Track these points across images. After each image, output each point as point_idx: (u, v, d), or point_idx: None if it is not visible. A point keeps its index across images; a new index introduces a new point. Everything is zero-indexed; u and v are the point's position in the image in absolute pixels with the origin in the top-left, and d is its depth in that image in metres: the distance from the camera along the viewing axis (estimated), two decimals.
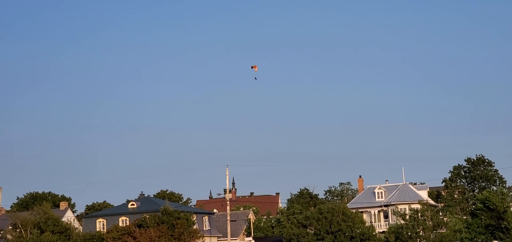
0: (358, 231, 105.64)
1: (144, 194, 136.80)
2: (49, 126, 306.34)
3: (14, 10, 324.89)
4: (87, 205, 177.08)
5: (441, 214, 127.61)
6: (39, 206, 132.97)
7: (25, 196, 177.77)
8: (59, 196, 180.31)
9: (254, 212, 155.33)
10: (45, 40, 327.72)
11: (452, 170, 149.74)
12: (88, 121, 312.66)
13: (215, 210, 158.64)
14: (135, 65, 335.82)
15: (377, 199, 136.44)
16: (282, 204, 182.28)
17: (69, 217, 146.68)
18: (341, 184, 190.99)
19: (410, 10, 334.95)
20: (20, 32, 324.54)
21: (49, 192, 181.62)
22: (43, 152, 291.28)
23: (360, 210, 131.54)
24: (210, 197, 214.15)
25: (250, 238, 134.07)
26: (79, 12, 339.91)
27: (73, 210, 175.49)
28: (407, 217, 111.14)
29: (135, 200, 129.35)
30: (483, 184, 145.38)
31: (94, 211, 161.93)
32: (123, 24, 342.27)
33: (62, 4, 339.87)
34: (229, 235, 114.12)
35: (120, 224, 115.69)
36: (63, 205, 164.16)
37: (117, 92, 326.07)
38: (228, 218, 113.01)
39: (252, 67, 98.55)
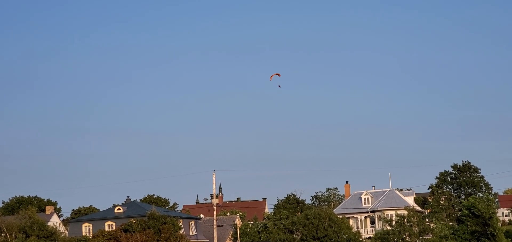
0: (345, 237, 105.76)
1: (130, 199, 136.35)
2: (35, 130, 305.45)
3: (4, 13, 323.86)
4: (73, 210, 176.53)
5: (427, 220, 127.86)
6: (24, 210, 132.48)
7: (10, 200, 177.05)
8: (45, 200, 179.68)
9: (240, 217, 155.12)
10: (34, 44, 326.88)
11: (438, 176, 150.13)
12: (75, 125, 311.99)
13: (201, 215, 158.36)
14: (123, 69, 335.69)
15: (363, 205, 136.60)
16: (268, 209, 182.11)
17: (55, 221, 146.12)
18: (328, 189, 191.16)
19: (398, 15, 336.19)
20: (8, 36, 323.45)
21: (35, 196, 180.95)
22: (29, 156, 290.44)
23: (347, 215, 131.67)
24: (197, 202, 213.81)
25: None
26: (69, 15, 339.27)
27: (59, 214, 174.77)
28: (394, 223, 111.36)
29: (122, 205, 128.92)
30: (469, 190, 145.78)
31: (80, 215, 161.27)
32: (113, 28, 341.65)
33: (53, 8, 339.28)
34: (215, 240, 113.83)
35: (106, 229, 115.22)
36: (49, 209, 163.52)
37: (103, 96, 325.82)
38: (215, 223, 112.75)
39: (274, 75, 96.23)
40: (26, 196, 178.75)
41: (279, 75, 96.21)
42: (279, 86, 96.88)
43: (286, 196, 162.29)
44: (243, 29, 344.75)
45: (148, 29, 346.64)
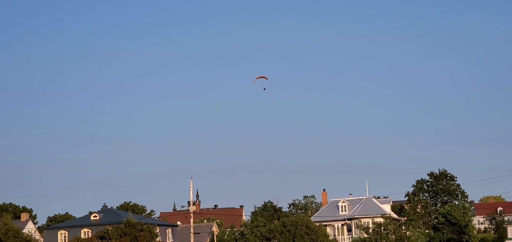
0: None
1: (107, 206, 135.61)
2: (11, 136, 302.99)
3: None
4: (48, 217, 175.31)
5: (403, 227, 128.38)
6: None
7: None
8: (20, 207, 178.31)
9: (218, 225, 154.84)
10: (16, 54, 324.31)
11: (415, 184, 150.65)
12: (51, 132, 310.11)
13: (178, 223, 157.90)
14: (100, 78, 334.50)
15: (340, 213, 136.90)
16: (246, 216, 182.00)
17: (30, 228, 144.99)
18: (305, 197, 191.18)
19: (376, 24, 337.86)
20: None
21: (10, 203, 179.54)
22: (4, 163, 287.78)
23: (324, 223, 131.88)
24: (174, 209, 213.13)
25: None
26: (56, 26, 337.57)
27: (34, 221, 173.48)
28: (370, 230, 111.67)
29: (98, 212, 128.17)
30: (445, 198, 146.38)
31: (55, 222, 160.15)
32: (103, 36, 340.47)
33: (44, 16, 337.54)
34: None
35: (82, 236, 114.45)
36: (24, 216, 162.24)
37: (80, 105, 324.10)
38: (192, 230, 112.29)
39: (259, 78, 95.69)
40: (0, 203, 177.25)
41: (266, 79, 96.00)
42: (264, 89, 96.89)
43: (263, 204, 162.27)
44: (222, 38, 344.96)
45: (132, 38, 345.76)
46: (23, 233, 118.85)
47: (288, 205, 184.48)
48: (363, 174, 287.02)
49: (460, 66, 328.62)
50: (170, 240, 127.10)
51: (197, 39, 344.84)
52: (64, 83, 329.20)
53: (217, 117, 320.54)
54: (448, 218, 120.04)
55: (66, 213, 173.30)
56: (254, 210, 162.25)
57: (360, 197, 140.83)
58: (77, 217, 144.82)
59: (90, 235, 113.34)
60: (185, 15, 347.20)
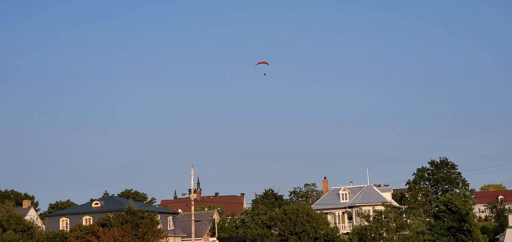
0: (322, 232, 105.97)
1: (108, 193, 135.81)
2: (12, 123, 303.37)
3: None
4: (50, 204, 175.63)
5: (404, 216, 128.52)
6: (1, 204, 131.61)
7: None
8: (22, 194, 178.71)
9: (218, 212, 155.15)
10: (12, 38, 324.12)
11: (415, 172, 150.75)
12: (52, 119, 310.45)
13: (179, 210, 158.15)
14: (103, 65, 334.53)
15: (341, 201, 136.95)
16: (247, 204, 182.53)
17: (32, 215, 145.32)
18: (306, 185, 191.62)
19: (374, 15, 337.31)
20: None
21: (12, 190, 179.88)
22: (6, 150, 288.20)
23: (325, 211, 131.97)
24: (175, 197, 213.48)
25: (215, 239, 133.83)
26: (50, 9, 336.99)
27: (36, 208, 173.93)
28: (371, 218, 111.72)
29: (99, 199, 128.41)
30: (446, 186, 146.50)
31: (57, 209, 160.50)
32: (99, 25, 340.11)
33: (35, 2, 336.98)
34: (193, 235, 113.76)
35: (84, 223, 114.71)
36: (26, 203, 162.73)
37: (82, 92, 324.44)
38: (193, 218, 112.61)
39: (259, 63, 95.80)
40: (2, 190, 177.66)
41: (268, 64, 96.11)
42: (264, 74, 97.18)
43: (264, 192, 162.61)
44: (223, 26, 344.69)
45: (128, 27, 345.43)
46: (25, 220, 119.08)
47: (289, 193, 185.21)
48: (364, 162, 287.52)
49: (460, 56, 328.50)
50: (171, 227, 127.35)
51: (196, 29, 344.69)
52: (66, 69, 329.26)
53: (218, 105, 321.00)
54: (448, 206, 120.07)
55: (68, 200, 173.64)
56: (255, 198, 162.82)
57: (361, 185, 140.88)
58: (78, 204, 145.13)
59: (91, 222, 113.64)
60: (189, 4, 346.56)
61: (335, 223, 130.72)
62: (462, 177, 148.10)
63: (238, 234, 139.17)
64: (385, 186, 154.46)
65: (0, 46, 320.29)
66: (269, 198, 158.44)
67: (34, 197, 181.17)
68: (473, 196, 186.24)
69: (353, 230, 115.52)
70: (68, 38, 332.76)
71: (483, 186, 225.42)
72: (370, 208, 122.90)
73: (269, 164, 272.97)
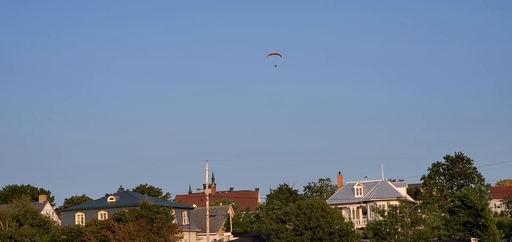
0: (337, 227, 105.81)
1: (123, 188, 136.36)
2: (29, 119, 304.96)
3: None
4: (66, 199, 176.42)
5: (419, 211, 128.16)
6: (18, 199, 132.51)
7: (4, 188, 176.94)
8: (38, 189, 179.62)
9: (233, 207, 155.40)
10: (18, 32, 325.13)
11: (431, 167, 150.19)
12: (68, 115, 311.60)
13: (194, 205, 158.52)
14: (118, 59, 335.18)
15: (356, 196, 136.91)
16: (261, 199, 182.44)
17: (48, 210, 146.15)
18: (320, 180, 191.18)
19: (398, 14, 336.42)
20: None
21: (28, 185, 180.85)
22: (22, 145, 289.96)
23: (339, 206, 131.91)
24: (190, 192, 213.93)
25: (229, 233, 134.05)
26: (53, 3, 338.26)
27: (52, 203, 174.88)
28: (386, 213, 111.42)
29: (114, 194, 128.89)
30: (461, 181, 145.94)
31: (73, 204, 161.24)
32: (103, 19, 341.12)
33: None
34: (208, 230, 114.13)
35: (99, 218, 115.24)
36: (42, 198, 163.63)
37: (97, 87, 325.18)
38: (207, 213, 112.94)
39: (271, 54, 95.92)
40: (19, 185, 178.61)
41: (280, 56, 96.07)
42: (275, 66, 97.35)
43: (278, 187, 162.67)
44: (241, 24, 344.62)
45: (145, 22, 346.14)
46: (41, 214, 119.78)
47: (304, 188, 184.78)
48: (378, 157, 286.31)
49: (479, 51, 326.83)
50: (186, 222, 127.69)
51: (215, 25, 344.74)
52: (78, 65, 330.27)
53: (233, 102, 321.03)
54: (464, 202, 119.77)
55: (83, 195, 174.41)
56: (269, 193, 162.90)
57: (376, 180, 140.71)
58: (94, 199, 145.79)
59: (106, 217, 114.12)
60: (208, 1, 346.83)
61: (349, 218, 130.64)
62: (477, 172, 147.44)
63: (253, 229, 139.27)
64: (400, 181, 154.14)
65: (10, 42, 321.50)
66: (284, 193, 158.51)
67: (50, 192, 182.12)
68: (489, 191, 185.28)
69: (367, 225, 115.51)
70: (72, 32, 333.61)
71: (499, 181, 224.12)
72: (385, 203, 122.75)
73: (284, 159, 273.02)
